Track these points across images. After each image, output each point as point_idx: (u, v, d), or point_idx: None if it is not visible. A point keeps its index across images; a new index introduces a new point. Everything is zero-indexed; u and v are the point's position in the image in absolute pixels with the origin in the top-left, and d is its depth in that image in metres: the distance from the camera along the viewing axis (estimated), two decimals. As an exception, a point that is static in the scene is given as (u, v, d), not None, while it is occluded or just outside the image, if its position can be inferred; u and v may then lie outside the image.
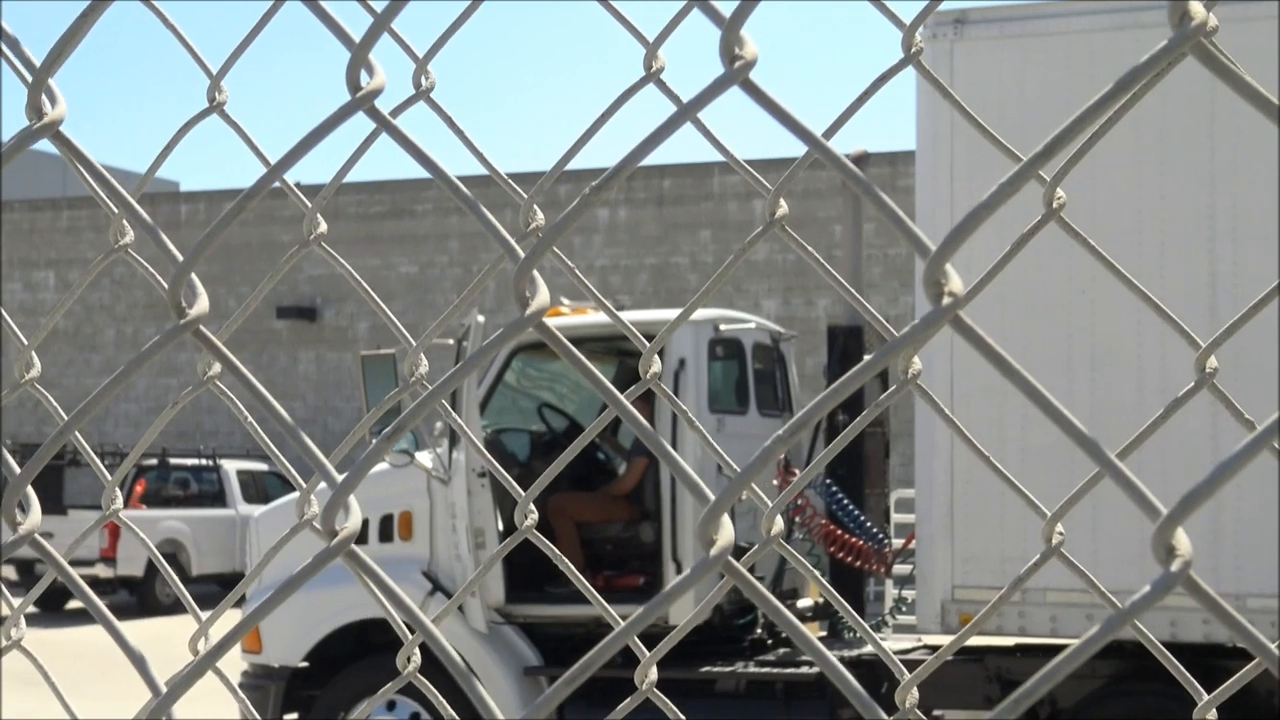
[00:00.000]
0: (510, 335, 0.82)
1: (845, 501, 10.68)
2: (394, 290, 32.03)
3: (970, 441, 1.37)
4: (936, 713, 10.40)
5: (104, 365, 33.60)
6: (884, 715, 0.82)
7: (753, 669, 10.02)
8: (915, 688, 1.19)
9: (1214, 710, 1.13)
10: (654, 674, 1.26)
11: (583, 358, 0.89)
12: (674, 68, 1.31)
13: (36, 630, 18.98)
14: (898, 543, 10.83)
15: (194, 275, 0.87)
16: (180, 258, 0.86)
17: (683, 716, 1.33)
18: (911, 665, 9.55)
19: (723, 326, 10.71)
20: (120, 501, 1.43)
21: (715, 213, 29.86)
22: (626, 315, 11.16)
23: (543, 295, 0.82)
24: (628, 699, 1.33)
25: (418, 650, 1.39)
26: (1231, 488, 8.77)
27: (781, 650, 10.53)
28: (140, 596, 23.47)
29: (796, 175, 1.21)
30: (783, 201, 1.15)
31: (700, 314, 10.84)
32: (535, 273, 0.82)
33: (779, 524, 1.18)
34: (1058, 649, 9.28)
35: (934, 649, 9.84)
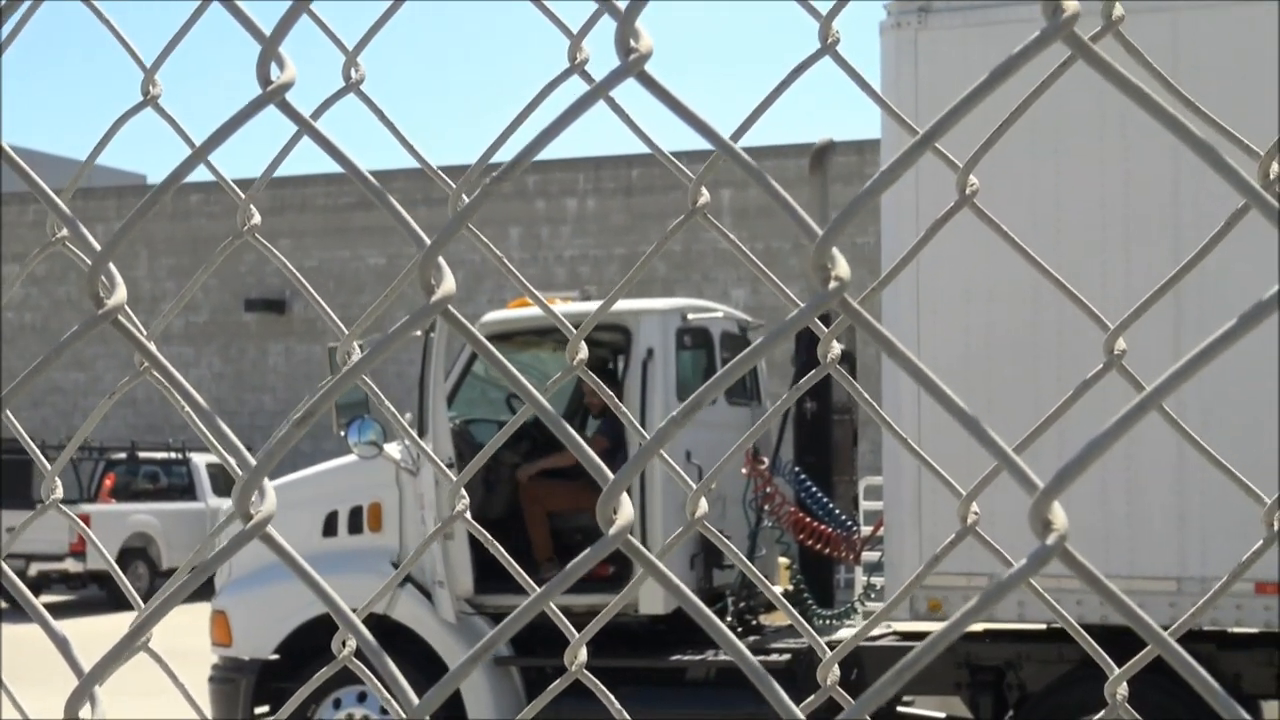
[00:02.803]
0: (415, 324, 0.83)
1: (814, 489, 10.71)
2: (363, 281, 31.97)
3: (886, 422, 1.39)
4: (907, 699, 10.45)
5: (71, 359, 33.47)
6: (789, 702, 0.84)
7: (723, 657, 10.05)
8: (836, 665, 1.21)
9: (1124, 685, 1.15)
10: (583, 655, 1.28)
11: (493, 349, 0.91)
12: (607, 59, 1.32)
13: (6, 626, 18.85)
14: (866, 530, 10.87)
15: (112, 266, 0.88)
16: (98, 248, 0.87)
17: (612, 697, 1.35)
18: (883, 651, 9.61)
19: (690, 316, 10.73)
20: (60, 491, 1.44)
21: (683, 202, 29.46)
22: (590, 305, 11.17)
23: (448, 283, 0.84)
24: (557, 680, 1.35)
25: (352, 636, 1.40)
26: (1198, 472, 8.83)
27: (752, 638, 10.56)
28: (110, 591, 23.41)
29: (716, 166, 1.22)
30: (705, 190, 1.17)
31: (668, 303, 10.87)
32: (441, 260, 0.84)
33: (703, 506, 1.19)
34: (1026, 634, 9.34)
35: (904, 635, 9.89)
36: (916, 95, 9.16)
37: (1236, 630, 8.86)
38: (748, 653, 0.86)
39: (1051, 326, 8.81)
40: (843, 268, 0.74)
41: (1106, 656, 1.20)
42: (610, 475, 0.82)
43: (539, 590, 0.86)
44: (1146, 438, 8.41)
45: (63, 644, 0.94)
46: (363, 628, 0.87)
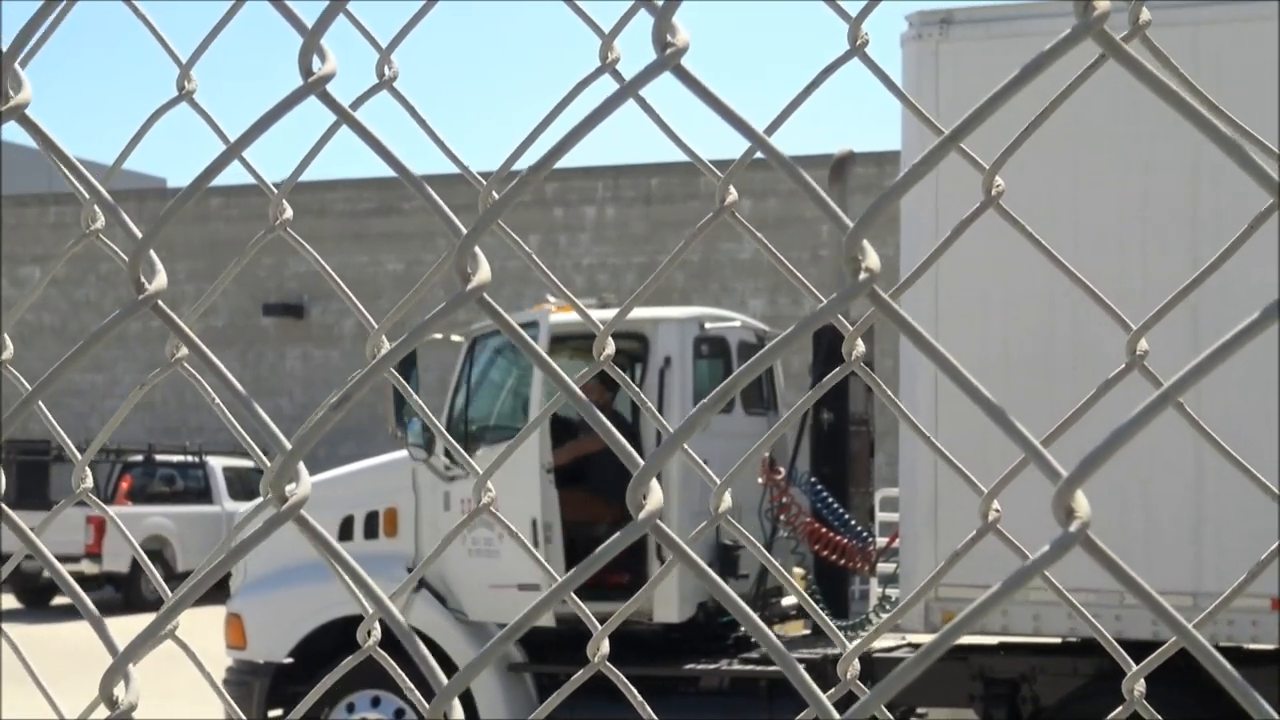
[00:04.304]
0: (451, 309, 0.85)
1: (830, 499, 10.70)
2: (381, 287, 32.02)
3: (910, 420, 1.40)
4: (920, 710, 10.44)
5: (90, 361, 33.57)
6: (822, 696, 0.85)
7: (737, 666, 10.05)
8: (857, 660, 1.22)
9: (1142, 681, 1.16)
10: (605, 648, 1.29)
11: (526, 337, 0.92)
12: (638, 58, 1.33)
13: (21, 626, 18.94)
14: (882, 541, 10.85)
15: (153, 253, 0.90)
16: (140, 235, 0.89)
17: (635, 690, 1.36)
18: (897, 663, 9.60)
19: (708, 325, 10.74)
20: (90, 480, 1.46)
21: (702, 211, 29.82)
22: (610, 313, 11.17)
23: (484, 271, 0.85)
24: (580, 671, 1.36)
25: (378, 624, 1.42)
26: (1214, 486, 8.81)
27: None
28: (125, 593, 23.45)
29: (744, 164, 1.24)
30: (732, 189, 1.18)
31: (686, 312, 10.89)
32: (477, 249, 0.85)
33: (727, 500, 1.20)
34: (1040, 647, 9.33)
35: (918, 648, 9.87)
36: (938, 107, 9.16)
37: (1252, 646, 8.84)
38: (772, 636, 0.87)
39: (1067, 337, 8.80)
40: (873, 259, 0.75)
41: (1129, 659, 1.21)
42: (640, 461, 0.83)
43: (560, 579, 0.87)
44: (1163, 452, 8.40)
45: (98, 622, 0.96)
46: (392, 607, 0.88)
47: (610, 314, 8.90)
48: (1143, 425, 0.70)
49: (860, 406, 11.45)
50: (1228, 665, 0.72)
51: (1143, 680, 1.18)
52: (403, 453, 10.76)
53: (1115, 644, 1.28)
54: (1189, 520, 8.71)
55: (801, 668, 0.83)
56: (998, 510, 1.23)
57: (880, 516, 12.34)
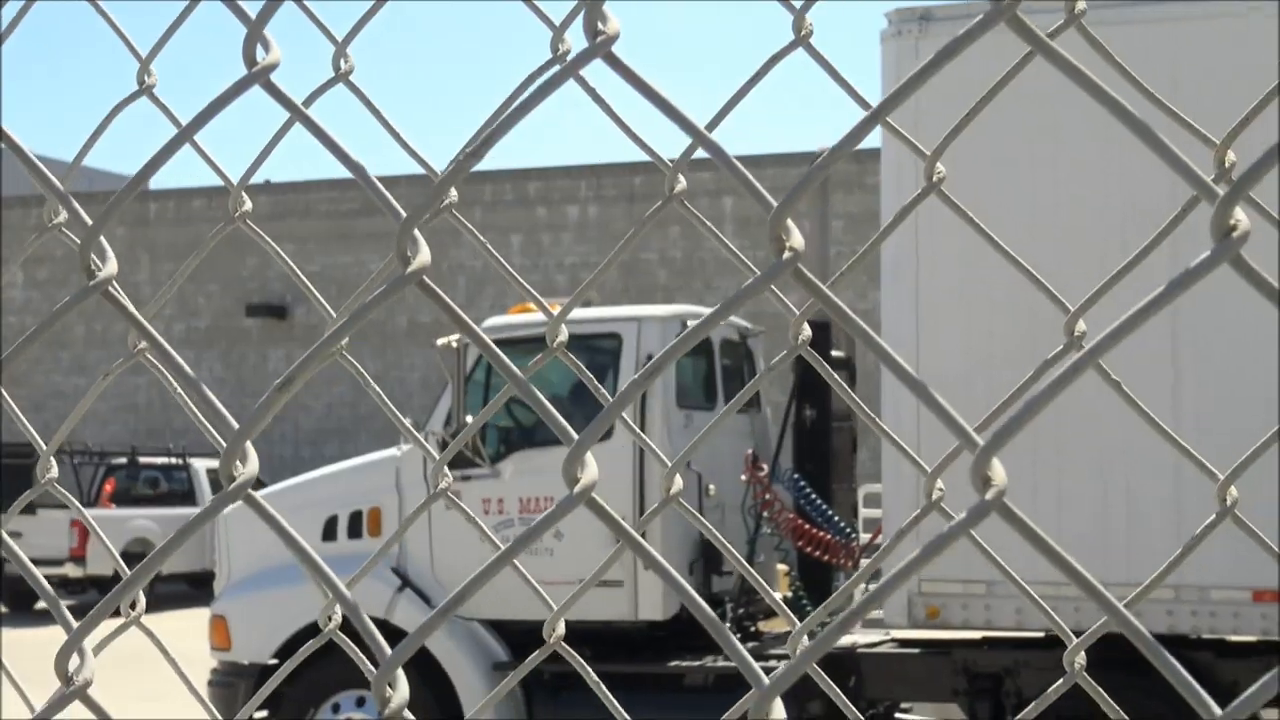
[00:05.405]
0: (391, 293, 0.87)
1: (813, 496, 10.73)
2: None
3: (870, 417, 1.42)
4: (905, 705, 10.47)
5: (73, 362, 33.52)
6: (756, 667, 0.86)
7: (722, 663, 10.07)
8: (805, 635, 1.24)
9: (1082, 653, 1.18)
10: (561, 628, 1.30)
11: (468, 320, 0.94)
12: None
13: (8, 630, 18.86)
14: (865, 537, 10.89)
15: (103, 239, 0.91)
16: (90, 222, 0.91)
17: (590, 670, 1.38)
18: (880, 658, 9.64)
19: (691, 322, 10.76)
20: (55, 470, 1.47)
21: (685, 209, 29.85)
22: (591, 311, 11.20)
23: (424, 254, 0.87)
24: (538, 650, 1.37)
25: (338, 609, 1.43)
26: (1195, 479, 8.83)
27: (751, 644, 10.58)
28: (111, 596, 23.43)
29: (692, 152, 1.26)
30: (681, 177, 1.20)
31: (669, 309, 10.92)
32: (418, 233, 0.87)
33: (679, 483, 1.22)
34: (1024, 641, 9.35)
35: (902, 643, 9.90)
36: (917, 103, 9.16)
37: (1234, 639, 8.88)
38: (706, 606, 0.89)
39: (1050, 333, 8.81)
40: (797, 239, 0.77)
41: (1071, 634, 1.23)
42: (575, 436, 0.85)
43: (503, 549, 0.89)
44: (1145, 445, 8.43)
45: (54, 601, 0.97)
46: (343, 587, 0.90)
47: (591, 311, 8.85)
48: (1057, 393, 0.72)
49: (843, 403, 11.48)
50: (1164, 651, 0.73)
51: (1083, 653, 1.20)
52: (386, 452, 10.78)
53: (1070, 633, 1.30)
54: (1170, 513, 8.74)
55: (740, 644, 0.85)
56: (941, 489, 1.25)
57: (863, 512, 12.38)
